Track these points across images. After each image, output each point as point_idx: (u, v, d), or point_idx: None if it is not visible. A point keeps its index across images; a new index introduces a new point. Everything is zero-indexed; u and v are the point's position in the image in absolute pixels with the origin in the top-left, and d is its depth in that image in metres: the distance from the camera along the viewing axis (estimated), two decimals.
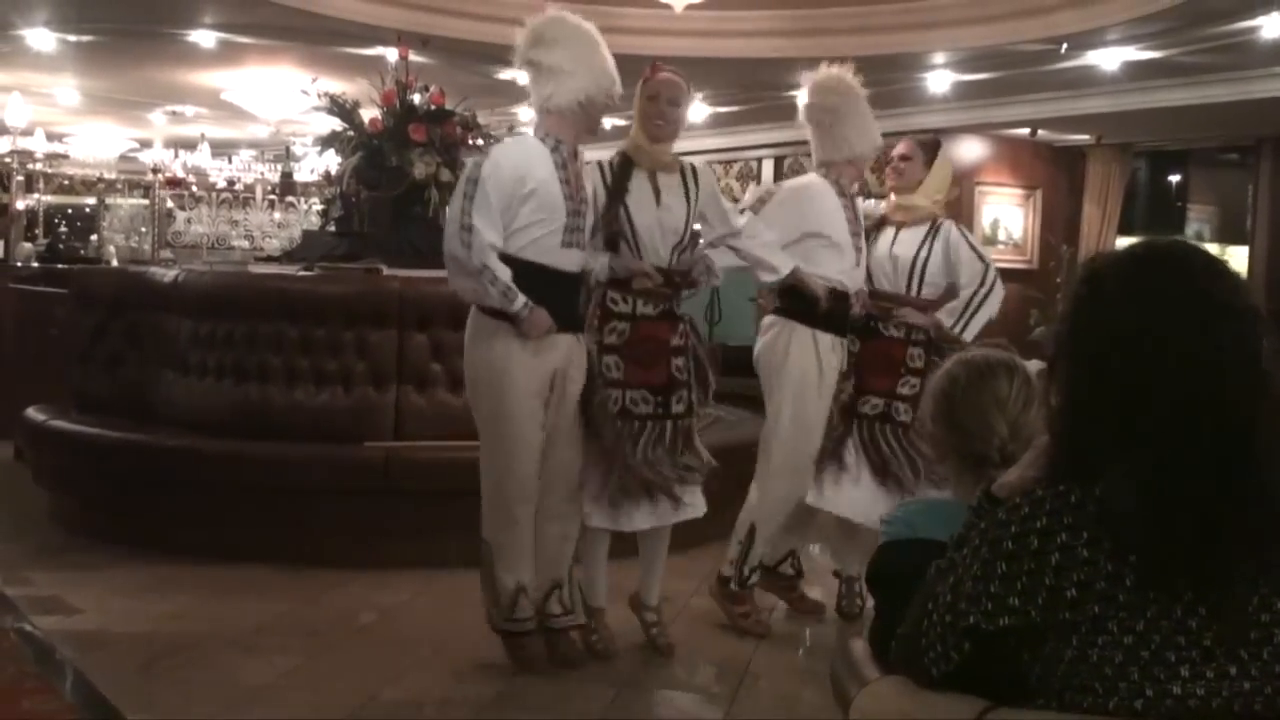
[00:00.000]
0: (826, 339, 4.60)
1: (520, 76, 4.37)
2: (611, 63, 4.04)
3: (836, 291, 4.57)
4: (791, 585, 4.90)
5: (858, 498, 4.61)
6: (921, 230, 4.78)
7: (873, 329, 4.73)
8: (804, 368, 4.57)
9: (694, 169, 4.33)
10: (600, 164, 4.26)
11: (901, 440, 4.62)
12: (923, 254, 4.74)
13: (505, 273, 3.85)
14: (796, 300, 4.58)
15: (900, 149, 4.89)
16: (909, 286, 4.75)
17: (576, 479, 4.17)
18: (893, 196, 4.93)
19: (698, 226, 4.37)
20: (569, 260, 4.00)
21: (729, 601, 4.71)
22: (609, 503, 4.17)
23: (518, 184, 3.88)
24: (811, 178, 4.76)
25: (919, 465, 4.56)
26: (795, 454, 4.60)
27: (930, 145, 4.96)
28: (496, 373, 3.97)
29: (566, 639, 4.20)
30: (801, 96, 4.78)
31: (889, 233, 4.83)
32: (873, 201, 5.30)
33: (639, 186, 4.19)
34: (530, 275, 3.90)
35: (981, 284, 4.73)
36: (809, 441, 4.61)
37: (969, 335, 4.69)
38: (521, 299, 3.86)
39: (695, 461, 4.28)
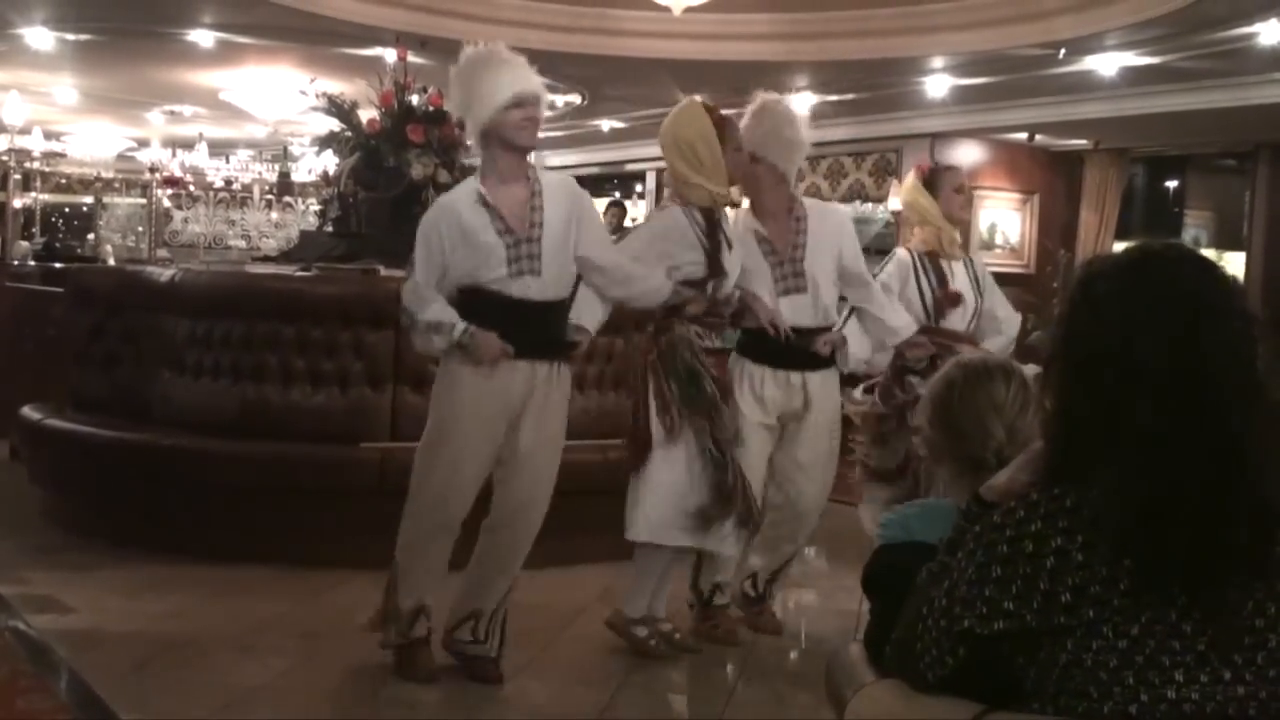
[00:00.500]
0: (760, 371, 4.52)
1: None
2: (505, 76, 3.89)
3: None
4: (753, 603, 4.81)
5: None
6: (964, 265, 4.93)
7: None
8: (741, 403, 4.50)
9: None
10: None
11: None
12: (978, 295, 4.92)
13: (432, 312, 3.88)
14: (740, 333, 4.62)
15: (959, 181, 5.01)
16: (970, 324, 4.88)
17: (535, 517, 4.06)
18: (953, 230, 4.97)
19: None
20: (522, 289, 3.89)
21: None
22: (704, 523, 4.19)
23: (447, 233, 3.90)
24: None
25: None
26: None
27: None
28: (447, 396, 3.95)
29: (482, 662, 4.07)
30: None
31: (954, 269, 4.89)
32: (870, 206, 5.32)
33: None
34: (480, 303, 3.88)
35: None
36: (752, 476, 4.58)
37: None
38: (460, 325, 3.83)
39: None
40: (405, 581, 4.00)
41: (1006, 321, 4.97)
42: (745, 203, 4.65)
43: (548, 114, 4.09)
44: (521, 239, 3.89)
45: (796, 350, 4.44)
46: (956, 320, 4.81)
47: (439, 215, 3.99)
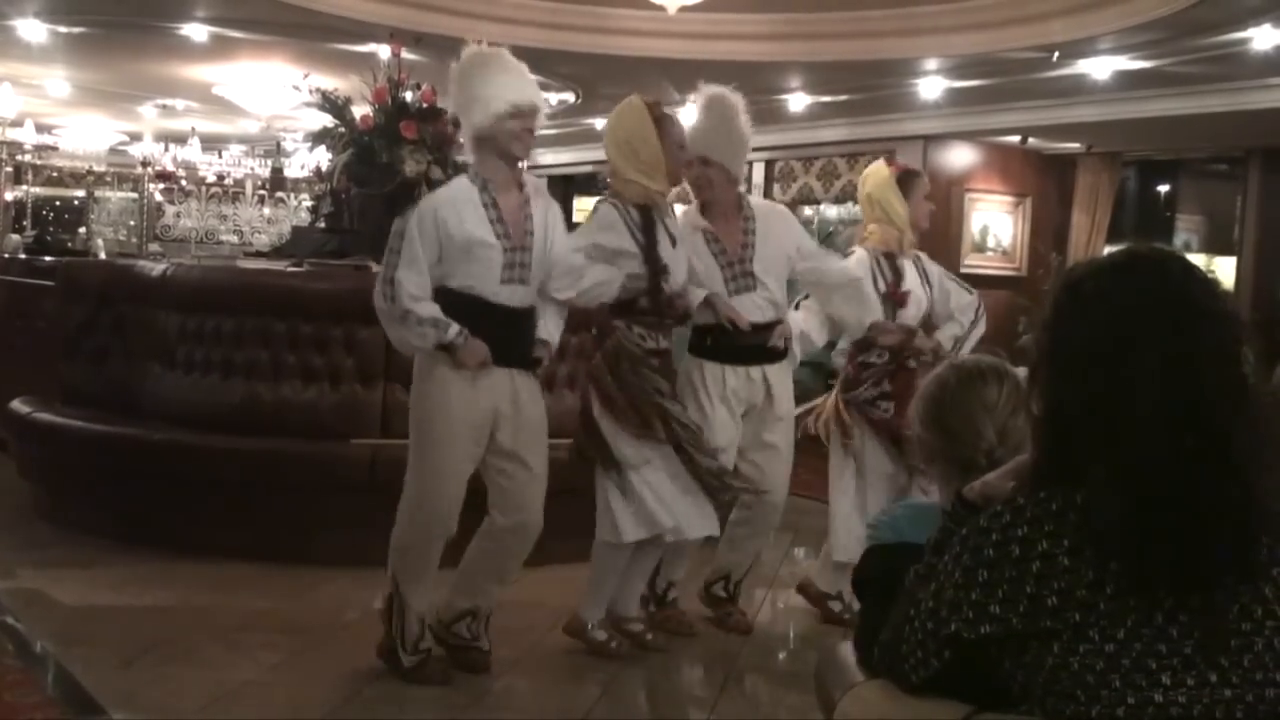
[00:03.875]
0: (710, 368, 4.56)
1: None
2: (508, 85, 3.90)
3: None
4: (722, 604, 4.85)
5: None
6: (910, 261, 5.04)
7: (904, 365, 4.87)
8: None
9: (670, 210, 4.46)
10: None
11: None
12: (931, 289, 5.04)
13: (430, 309, 3.82)
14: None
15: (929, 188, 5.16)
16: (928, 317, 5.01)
17: (537, 506, 4.05)
18: (913, 235, 5.05)
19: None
20: (509, 296, 3.91)
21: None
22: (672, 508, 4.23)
23: (444, 231, 3.86)
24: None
25: None
26: None
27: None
28: (432, 402, 3.92)
29: (474, 653, 4.10)
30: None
31: (905, 267, 5.01)
32: (835, 211, 5.39)
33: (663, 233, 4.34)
34: (466, 308, 3.85)
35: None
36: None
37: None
38: (455, 327, 3.81)
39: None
40: (409, 598, 3.97)
41: (959, 309, 5.04)
42: (692, 203, 4.68)
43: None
44: (516, 246, 3.90)
45: (754, 346, 4.53)
46: (910, 317, 4.91)
47: (436, 208, 3.92)
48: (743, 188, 4.77)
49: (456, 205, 3.91)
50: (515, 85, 3.90)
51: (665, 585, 4.66)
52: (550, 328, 4.08)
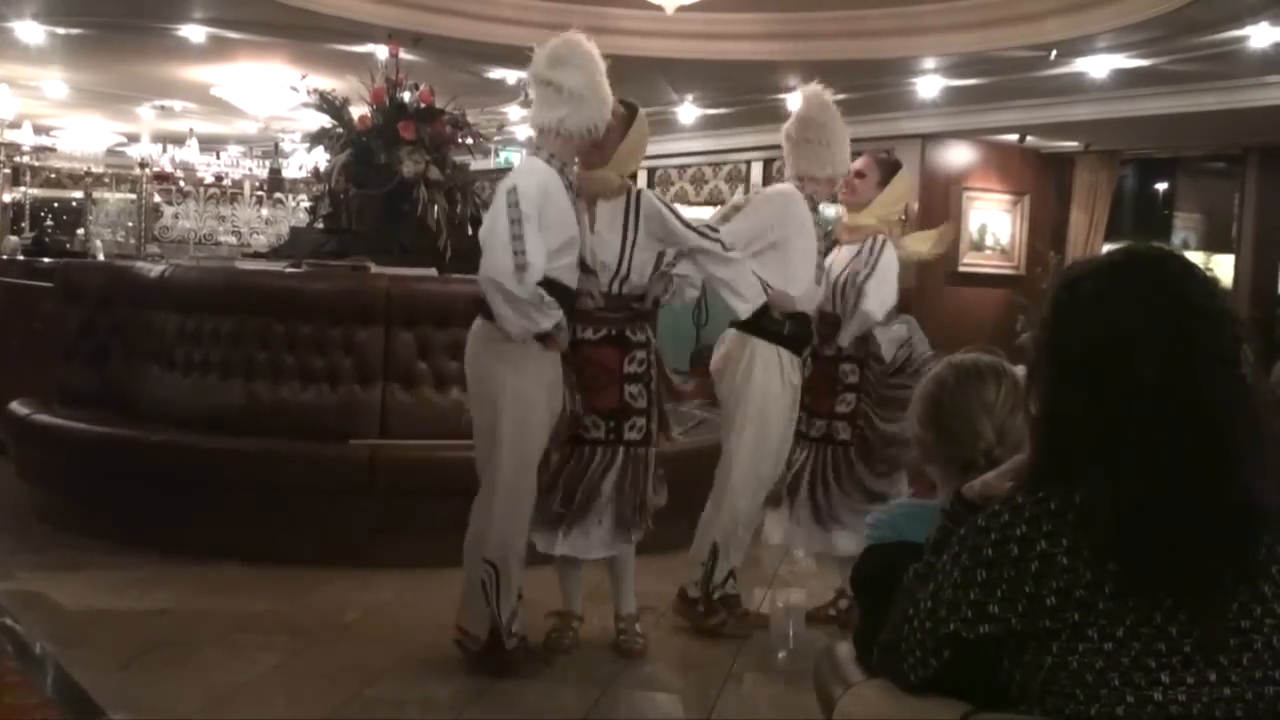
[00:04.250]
0: (788, 356, 4.59)
1: (509, 76, 4.37)
2: (608, 91, 4.01)
3: (797, 311, 4.59)
4: (736, 603, 4.78)
5: (794, 530, 4.83)
6: (855, 248, 4.84)
7: (812, 350, 4.77)
8: (768, 387, 4.54)
9: (638, 197, 4.22)
10: None
11: (840, 461, 4.72)
12: (848, 271, 4.79)
13: (550, 298, 3.87)
14: (760, 316, 4.51)
15: (857, 165, 4.90)
16: (834, 303, 4.78)
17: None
18: (844, 213, 4.99)
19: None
20: (580, 281, 4.07)
21: (699, 617, 4.64)
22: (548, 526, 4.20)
23: (546, 211, 3.86)
24: (788, 186, 4.77)
25: (850, 488, 4.69)
26: (756, 473, 4.59)
27: (888, 166, 5.05)
28: (520, 376, 3.92)
29: (526, 650, 4.15)
30: (797, 108, 4.77)
31: (834, 251, 4.90)
32: (833, 210, 5.30)
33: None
34: (557, 295, 3.93)
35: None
36: (771, 461, 4.62)
37: (843, 341, 4.75)
38: (560, 311, 3.90)
39: (642, 498, 4.21)
40: (506, 581, 3.99)
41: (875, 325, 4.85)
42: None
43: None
44: (585, 235, 4.05)
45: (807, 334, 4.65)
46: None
47: (541, 184, 3.88)
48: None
49: (550, 189, 3.92)
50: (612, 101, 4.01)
51: (713, 588, 4.61)
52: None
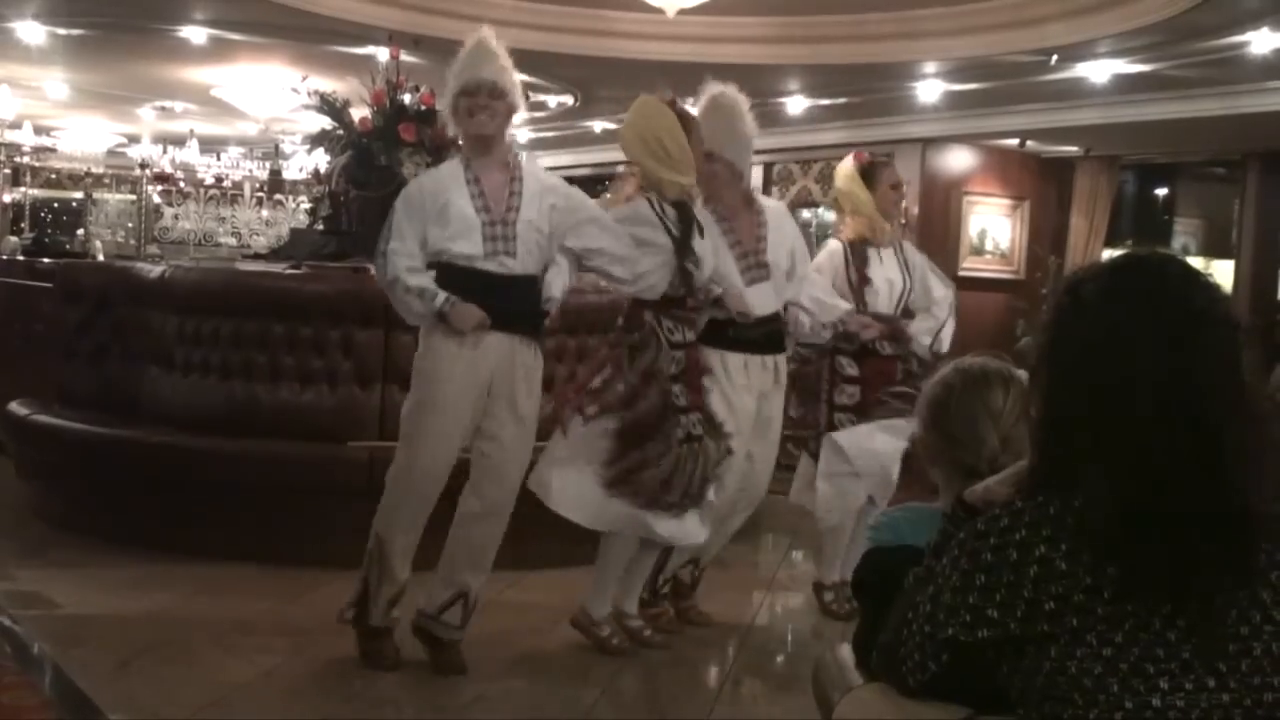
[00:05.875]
0: (756, 361, 4.65)
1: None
2: (463, 66, 4.14)
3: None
4: (685, 594, 4.86)
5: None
6: (891, 250, 5.17)
7: (873, 350, 4.99)
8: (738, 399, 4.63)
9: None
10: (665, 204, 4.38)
11: None
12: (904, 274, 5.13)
13: (419, 279, 4.00)
14: (727, 325, 4.62)
15: (899, 178, 5.21)
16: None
17: (512, 487, 4.16)
18: (885, 223, 5.15)
19: None
20: (497, 266, 4.05)
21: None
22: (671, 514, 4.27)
23: (431, 205, 4.04)
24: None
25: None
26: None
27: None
28: (431, 367, 4.06)
29: (454, 651, 4.14)
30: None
31: (883, 255, 5.13)
32: (834, 215, 5.46)
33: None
34: (459, 278, 4.01)
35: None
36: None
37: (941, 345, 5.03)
38: (442, 295, 3.97)
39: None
40: (395, 555, 4.07)
41: (938, 303, 5.15)
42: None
43: (539, 114, 4.17)
44: (497, 219, 4.05)
45: (771, 334, 4.67)
46: (883, 304, 5.04)
47: (422, 184, 4.18)
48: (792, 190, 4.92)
49: (441, 182, 4.13)
50: (466, 68, 4.13)
51: (663, 581, 4.69)
52: (554, 286, 4.17)
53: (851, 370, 4.96)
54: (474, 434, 4.10)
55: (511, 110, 4.17)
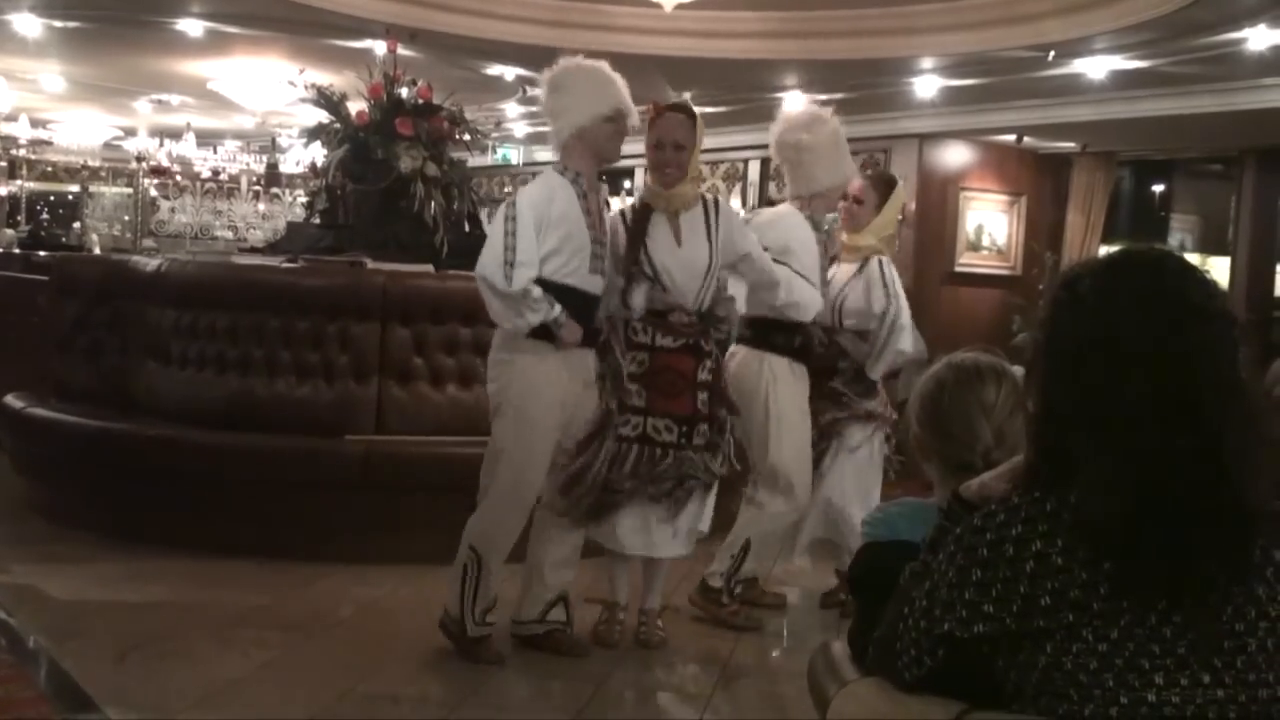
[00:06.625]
0: (800, 369, 4.80)
1: (507, 73, 4.40)
2: (610, 91, 4.19)
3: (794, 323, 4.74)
4: (753, 583, 5.02)
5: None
6: (854, 266, 5.03)
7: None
8: (790, 399, 4.75)
9: (715, 204, 4.43)
10: (622, 211, 4.45)
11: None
12: (846, 289, 5.01)
13: (539, 291, 4.03)
14: (771, 330, 4.73)
15: (854, 190, 5.04)
16: (833, 319, 4.98)
17: None
18: (844, 235, 5.13)
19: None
20: (594, 284, 4.18)
21: (715, 606, 4.77)
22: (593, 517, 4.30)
23: (546, 216, 4.07)
24: (785, 209, 4.90)
25: None
26: (796, 473, 4.76)
27: (884, 184, 5.19)
28: (525, 384, 4.11)
29: (561, 635, 4.32)
30: (773, 131, 4.88)
31: (834, 267, 5.07)
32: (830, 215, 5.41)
33: (659, 230, 4.31)
34: (560, 296, 4.06)
35: (882, 322, 4.93)
36: (804, 461, 4.81)
37: (874, 374, 4.98)
38: (558, 308, 4.03)
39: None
40: (492, 568, 4.16)
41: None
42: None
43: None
44: (599, 239, 4.18)
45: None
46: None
47: (544, 196, 4.13)
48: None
49: (554, 191, 4.16)
50: (616, 92, 4.19)
51: (735, 583, 4.82)
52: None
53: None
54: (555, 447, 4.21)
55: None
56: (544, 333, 4.05)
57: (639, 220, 4.32)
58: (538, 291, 4.00)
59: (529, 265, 3.99)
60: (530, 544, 4.34)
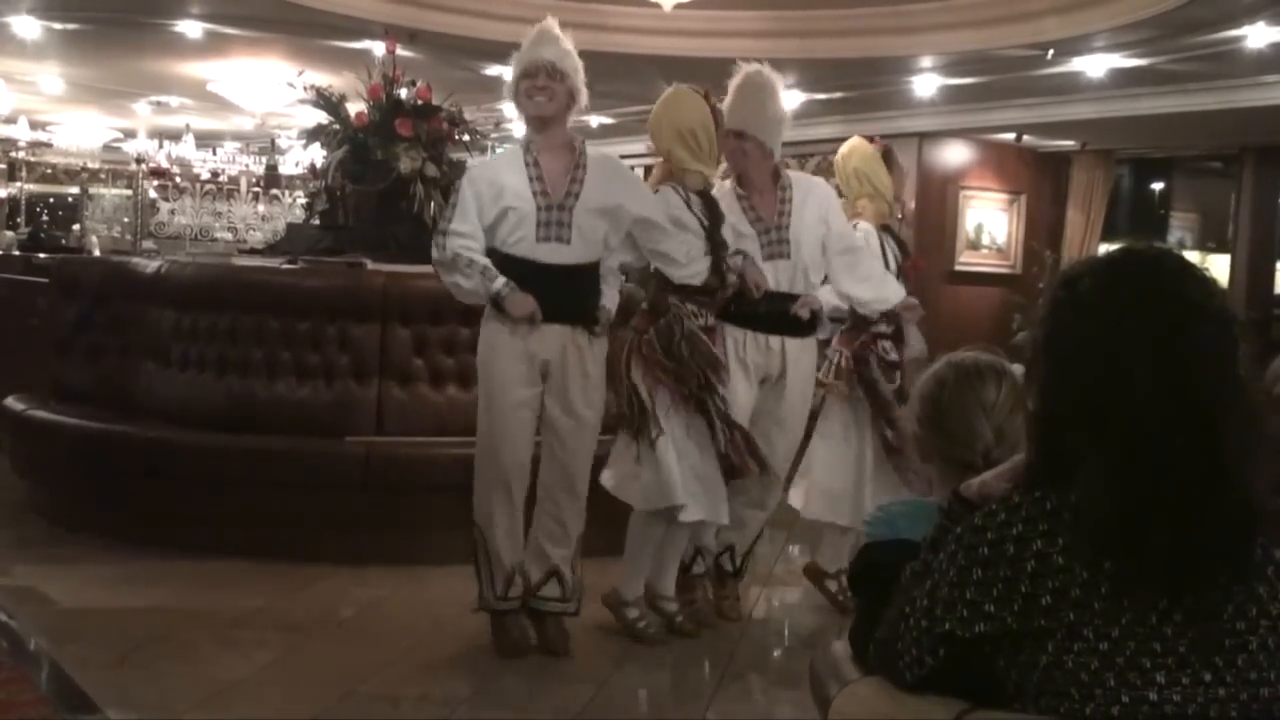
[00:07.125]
0: (752, 337, 4.58)
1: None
2: (526, 51, 4.18)
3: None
4: (724, 582, 4.91)
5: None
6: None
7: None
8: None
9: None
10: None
11: None
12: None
13: (480, 257, 4.04)
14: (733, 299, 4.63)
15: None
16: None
17: (580, 475, 4.25)
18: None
19: None
20: (550, 254, 4.07)
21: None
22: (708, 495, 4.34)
23: (490, 190, 4.08)
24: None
25: None
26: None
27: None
28: (486, 357, 4.14)
29: (556, 624, 4.27)
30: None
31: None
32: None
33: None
34: (512, 266, 4.05)
35: None
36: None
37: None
38: (502, 279, 4.00)
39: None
40: (493, 540, 4.18)
41: None
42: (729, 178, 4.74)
43: None
44: (554, 204, 4.07)
45: (775, 314, 4.52)
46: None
47: (490, 167, 4.25)
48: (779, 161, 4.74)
49: (500, 166, 4.19)
50: (527, 50, 4.18)
51: (692, 553, 4.71)
52: (607, 297, 4.23)
53: (894, 355, 4.97)
54: (540, 418, 4.19)
55: (572, 94, 4.19)
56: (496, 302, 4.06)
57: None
58: (476, 257, 4.02)
59: (462, 236, 4.03)
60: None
